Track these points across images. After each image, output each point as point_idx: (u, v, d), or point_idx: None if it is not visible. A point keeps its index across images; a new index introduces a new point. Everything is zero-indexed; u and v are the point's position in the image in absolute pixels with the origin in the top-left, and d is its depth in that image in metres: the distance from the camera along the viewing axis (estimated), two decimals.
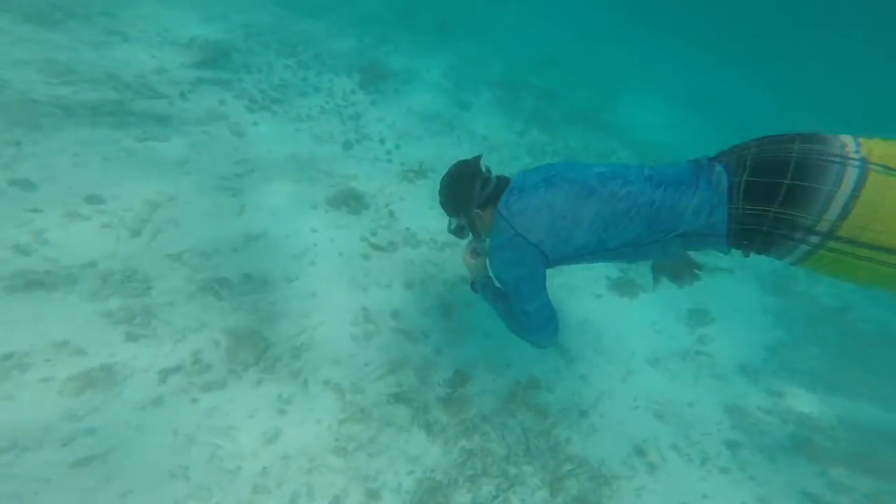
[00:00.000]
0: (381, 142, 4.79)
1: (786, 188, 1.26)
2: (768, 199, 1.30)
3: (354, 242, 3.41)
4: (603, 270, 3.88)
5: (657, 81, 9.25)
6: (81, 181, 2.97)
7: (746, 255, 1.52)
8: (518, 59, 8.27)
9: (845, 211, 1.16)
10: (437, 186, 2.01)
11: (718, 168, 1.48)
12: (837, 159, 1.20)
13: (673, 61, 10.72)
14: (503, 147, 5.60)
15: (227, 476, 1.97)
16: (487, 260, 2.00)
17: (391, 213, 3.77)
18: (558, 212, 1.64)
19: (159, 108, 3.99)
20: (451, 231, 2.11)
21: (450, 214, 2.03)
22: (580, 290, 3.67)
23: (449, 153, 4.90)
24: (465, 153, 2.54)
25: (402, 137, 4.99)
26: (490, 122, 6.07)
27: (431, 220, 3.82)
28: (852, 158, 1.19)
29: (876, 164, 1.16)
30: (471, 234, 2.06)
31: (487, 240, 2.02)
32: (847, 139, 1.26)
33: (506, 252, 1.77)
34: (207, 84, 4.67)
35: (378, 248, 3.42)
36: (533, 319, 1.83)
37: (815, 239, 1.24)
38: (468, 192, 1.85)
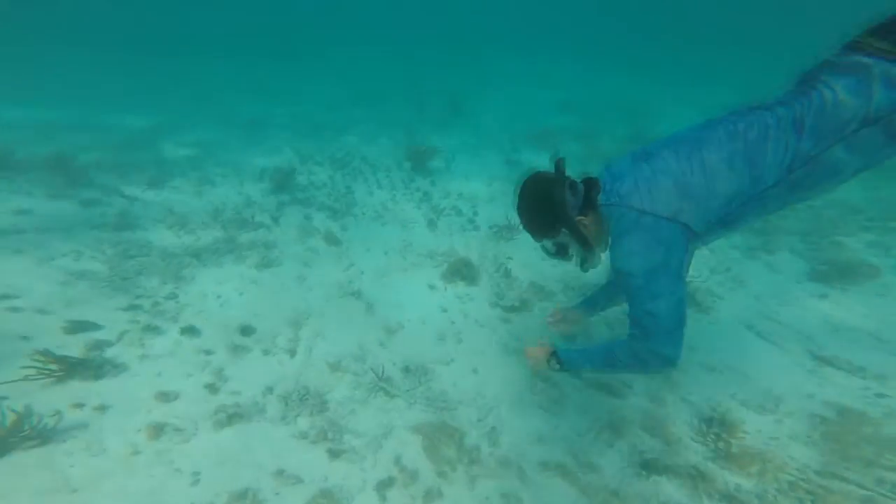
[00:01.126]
0: (459, 213, 4.91)
1: None
2: None
3: (486, 310, 3.33)
4: None
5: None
6: (231, 317, 3.08)
7: None
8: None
9: None
10: (519, 215, 1.66)
11: (858, 57, 1.32)
12: None
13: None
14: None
15: None
16: (611, 256, 1.54)
17: (507, 273, 3.71)
18: (679, 171, 1.38)
19: (262, 237, 4.25)
20: (550, 255, 1.72)
21: (543, 237, 1.65)
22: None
23: None
24: None
25: (475, 203, 5.13)
26: (543, 163, 6.24)
27: (548, 267, 3.74)
28: None
29: None
30: (576, 253, 1.69)
31: (602, 254, 1.70)
32: None
33: (632, 238, 1.41)
34: (289, 206, 5.01)
35: (513, 309, 3.31)
36: (662, 324, 1.40)
37: None
38: (558, 204, 1.51)
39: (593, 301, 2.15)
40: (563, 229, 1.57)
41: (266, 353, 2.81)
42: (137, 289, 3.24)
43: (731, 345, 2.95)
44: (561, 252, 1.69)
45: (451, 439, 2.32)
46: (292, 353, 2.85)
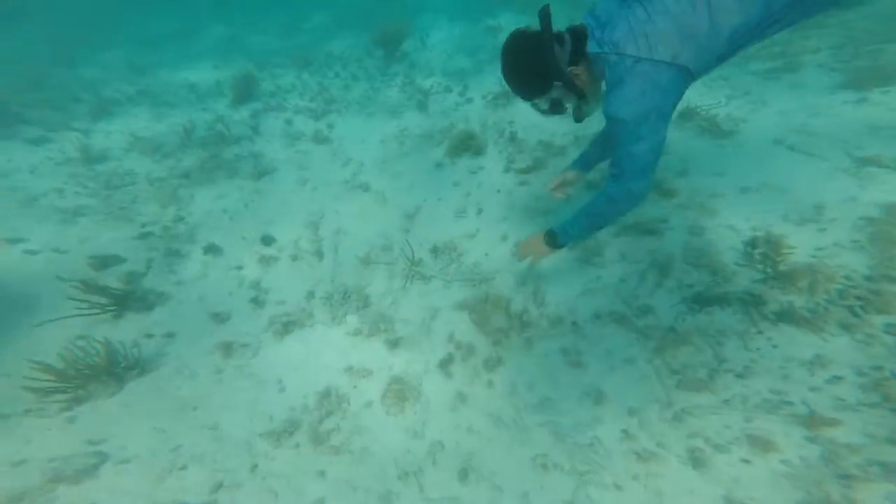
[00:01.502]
0: (448, 90, 4.52)
1: None
2: None
3: (500, 177, 3.21)
4: None
5: None
6: (246, 229, 2.98)
7: None
8: None
9: None
10: (506, 78, 1.57)
11: None
12: None
13: None
14: None
15: None
16: (604, 103, 1.52)
17: (513, 137, 3.51)
18: (679, 11, 1.32)
19: (246, 149, 3.95)
20: (544, 113, 1.66)
21: (534, 96, 1.59)
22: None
23: None
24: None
25: (462, 77, 4.70)
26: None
27: (553, 124, 3.54)
28: None
29: None
30: (571, 105, 1.64)
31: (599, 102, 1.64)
32: None
33: (627, 86, 1.39)
34: (263, 114, 4.59)
35: (527, 170, 3.18)
36: (637, 163, 1.48)
37: None
38: (547, 58, 1.45)
39: (587, 157, 2.10)
40: (556, 83, 1.52)
41: (294, 258, 2.77)
42: (140, 216, 3.12)
43: (762, 163, 2.83)
44: (556, 108, 1.63)
45: (497, 308, 2.36)
46: (319, 254, 2.80)
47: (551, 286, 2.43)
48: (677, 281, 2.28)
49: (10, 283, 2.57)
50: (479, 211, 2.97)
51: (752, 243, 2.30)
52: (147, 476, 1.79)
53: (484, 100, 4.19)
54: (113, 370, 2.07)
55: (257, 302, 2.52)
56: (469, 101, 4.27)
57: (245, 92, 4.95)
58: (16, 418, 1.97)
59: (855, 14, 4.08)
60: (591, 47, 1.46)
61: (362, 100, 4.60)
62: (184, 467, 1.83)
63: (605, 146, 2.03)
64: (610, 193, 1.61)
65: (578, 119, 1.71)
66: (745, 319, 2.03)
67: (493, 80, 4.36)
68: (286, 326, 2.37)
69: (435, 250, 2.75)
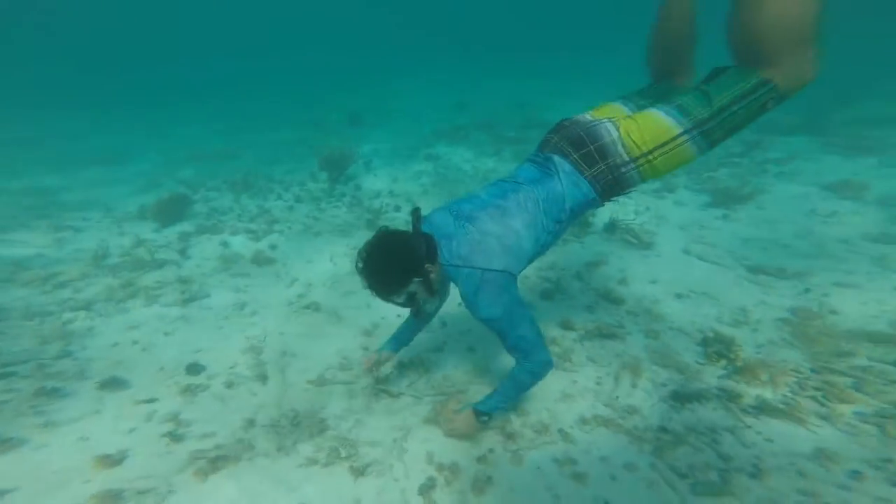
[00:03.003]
0: (398, 209, 4.74)
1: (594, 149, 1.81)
2: (593, 162, 1.81)
3: None
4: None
5: None
6: (166, 359, 2.47)
7: (609, 201, 1.94)
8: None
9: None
10: (366, 273, 1.66)
11: (556, 158, 1.87)
12: (597, 122, 1.83)
13: None
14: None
15: None
16: (471, 309, 1.76)
17: None
18: (499, 234, 1.73)
19: (172, 274, 3.56)
20: (402, 304, 1.79)
21: (395, 291, 1.70)
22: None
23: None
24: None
25: (409, 199, 5.01)
26: (463, 155, 6.47)
27: None
28: (598, 120, 1.84)
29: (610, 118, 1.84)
30: (422, 300, 1.81)
31: (437, 299, 1.96)
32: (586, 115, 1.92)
33: (484, 292, 1.69)
34: (195, 236, 4.30)
35: None
36: (532, 340, 1.77)
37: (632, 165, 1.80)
38: (416, 256, 1.66)
39: (398, 339, 2.31)
40: (416, 279, 1.69)
41: (230, 385, 2.31)
42: (2, 356, 2.46)
43: (683, 271, 3.28)
44: (410, 301, 1.78)
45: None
46: (263, 378, 2.38)
47: (528, 394, 2.26)
48: (650, 381, 2.32)
49: None
50: (444, 324, 2.86)
51: (704, 343, 2.52)
52: None
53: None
54: None
55: (174, 436, 1.95)
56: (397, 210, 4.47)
57: (176, 214, 4.69)
58: None
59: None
60: (443, 257, 1.73)
61: (308, 220, 4.58)
62: None
63: (412, 329, 2.30)
64: (529, 370, 1.83)
65: (417, 315, 1.96)
66: (728, 415, 2.06)
67: (438, 200, 4.69)
68: (213, 463, 1.83)
69: (401, 366, 2.50)
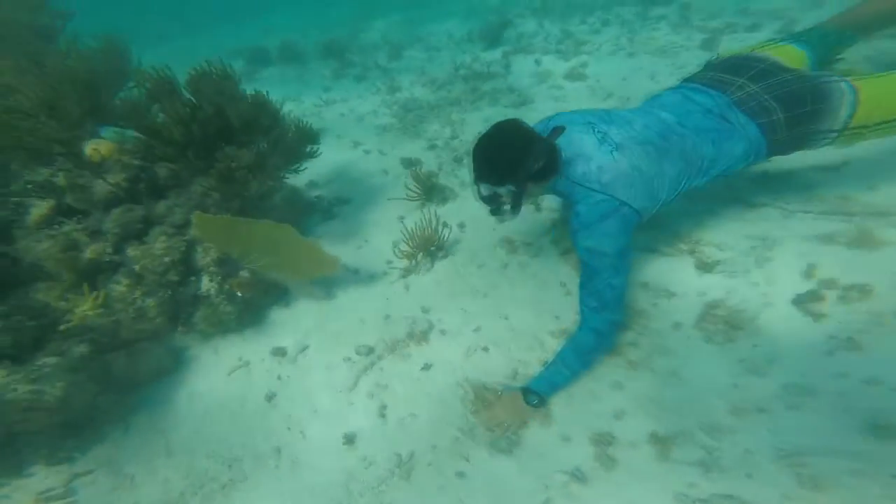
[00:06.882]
0: None
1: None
2: (798, 123, 1.67)
3: None
4: None
5: None
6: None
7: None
8: None
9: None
10: (476, 151, 1.60)
11: (742, 117, 1.71)
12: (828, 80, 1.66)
13: None
14: None
15: None
16: (583, 234, 1.65)
17: None
18: (650, 175, 1.65)
19: (504, 83, 4.26)
20: (480, 197, 1.71)
21: (488, 180, 1.61)
22: None
23: None
24: None
25: None
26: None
27: None
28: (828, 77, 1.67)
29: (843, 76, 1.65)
30: (506, 206, 1.69)
31: (515, 212, 1.71)
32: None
33: (610, 223, 1.61)
34: (512, 55, 4.82)
35: None
36: (618, 294, 1.64)
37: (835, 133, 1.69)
38: (522, 168, 1.55)
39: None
40: (510, 186, 1.59)
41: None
42: (426, 132, 3.69)
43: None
44: (491, 200, 1.69)
45: None
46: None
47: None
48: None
49: (358, 170, 3.37)
50: None
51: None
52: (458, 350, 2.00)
53: None
54: (429, 247, 2.40)
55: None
56: None
57: (495, 37, 5.32)
58: (375, 281, 2.44)
59: None
60: (574, 175, 1.64)
61: (623, 42, 4.47)
62: (486, 349, 1.98)
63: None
64: (595, 327, 1.66)
65: (499, 219, 1.84)
66: None
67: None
68: None
69: None
